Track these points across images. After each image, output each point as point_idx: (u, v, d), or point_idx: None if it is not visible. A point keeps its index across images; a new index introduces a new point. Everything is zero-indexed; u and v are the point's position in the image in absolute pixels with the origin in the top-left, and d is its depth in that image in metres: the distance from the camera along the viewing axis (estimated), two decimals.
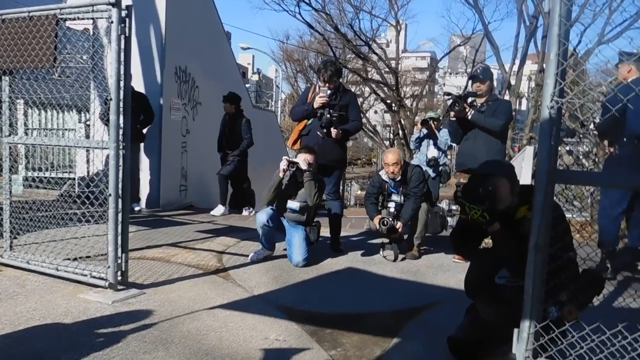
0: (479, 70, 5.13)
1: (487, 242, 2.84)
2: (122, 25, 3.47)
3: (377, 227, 4.97)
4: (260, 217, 4.67)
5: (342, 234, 5.48)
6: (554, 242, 2.17)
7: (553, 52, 2.12)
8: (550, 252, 2.13)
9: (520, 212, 2.56)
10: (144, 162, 7.61)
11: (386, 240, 5.09)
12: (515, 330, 2.18)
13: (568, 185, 2.87)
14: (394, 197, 5.08)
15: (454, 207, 11.16)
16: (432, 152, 7.32)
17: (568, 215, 3.23)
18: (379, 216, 4.98)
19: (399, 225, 4.91)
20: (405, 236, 5.16)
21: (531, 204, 2.31)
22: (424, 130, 7.15)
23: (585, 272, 2.42)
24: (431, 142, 7.29)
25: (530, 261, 2.11)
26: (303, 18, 24.52)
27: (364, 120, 22.58)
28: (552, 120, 2.14)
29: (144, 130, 7.33)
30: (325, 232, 5.58)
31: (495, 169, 2.70)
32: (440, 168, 7.27)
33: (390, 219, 4.91)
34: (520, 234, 2.50)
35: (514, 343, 2.19)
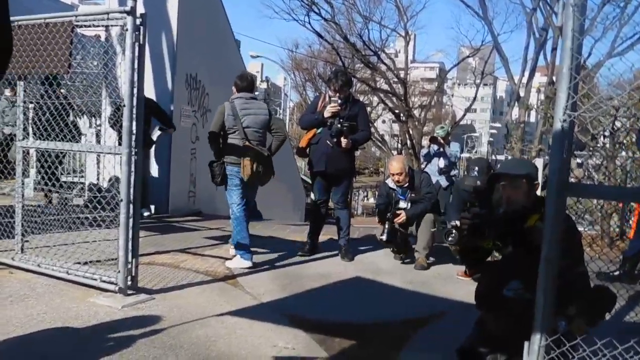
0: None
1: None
2: (137, 33, 3.52)
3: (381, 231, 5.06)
4: None
5: (351, 243, 5.48)
6: (565, 255, 2.16)
7: (565, 65, 2.12)
8: (560, 265, 2.13)
9: (531, 220, 2.55)
10: (154, 168, 7.65)
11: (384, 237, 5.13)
12: (526, 343, 2.17)
13: (579, 198, 2.87)
14: (402, 203, 5.15)
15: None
16: (441, 164, 7.31)
17: (580, 228, 3.22)
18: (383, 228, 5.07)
19: (401, 213, 4.93)
20: (413, 246, 5.17)
21: (543, 214, 2.30)
22: (434, 147, 7.13)
23: (597, 288, 2.41)
24: (441, 158, 7.26)
25: (541, 274, 2.11)
26: (312, 27, 24.57)
27: (371, 129, 22.60)
28: (564, 133, 2.14)
29: (154, 137, 7.37)
30: (333, 241, 5.60)
31: (517, 169, 2.70)
32: (452, 178, 7.25)
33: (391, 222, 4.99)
34: (530, 242, 2.49)
35: (524, 356, 2.18)
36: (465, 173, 4.77)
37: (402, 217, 5.03)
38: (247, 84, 4.98)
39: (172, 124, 7.38)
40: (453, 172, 7.34)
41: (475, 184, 4.44)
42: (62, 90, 4.95)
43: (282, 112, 38.22)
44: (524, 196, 2.55)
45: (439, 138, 6.96)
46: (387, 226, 5.06)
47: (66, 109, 4.24)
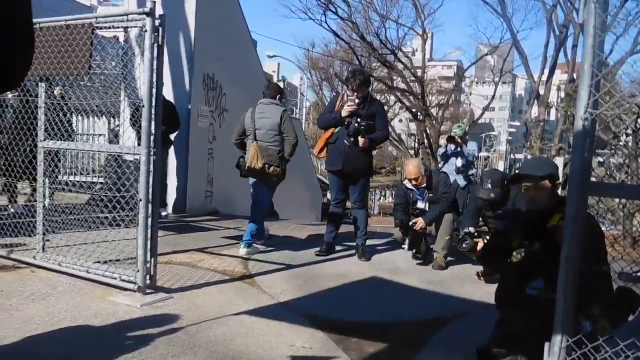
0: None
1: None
2: (156, 34, 3.54)
3: (399, 232, 5.06)
4: None
5: (368, 243, 5.47)
6: (587, 255, 2.13)
7: (587, 63, 2.09)
8: (583, 265, 2.10)
9: (555, 219, 2.53)
10: (171, 168, 7.72)
11: (405, 246, 5.13)
12: (547, 344, 2.14)
13: (601, 198, 2.83)
14: (420, 204, 5.14)
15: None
16: (459, 163, 7.24)
17: (603, 228, 3.18)
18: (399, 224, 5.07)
19: (418, 221, 4.92)
20: (432, 246, 5.15)
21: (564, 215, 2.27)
22: (451, 147, 7.07)
23: (620, 289, 2.37)
24: (459, 158, 7.19)
25: (562, 274, 2.08)
26: (329, 27, 24.74)
27: (389, 129, 22.56)
28: (585, 132, 2.11)
29: (172, 137, 7.43)
30: (350, 241, 5.59)
31: (539, 169, 2.67)
32: (470, 177, 7.18)
33: (406, 219, 4.99)
34: (554, 242, 2.46)
35: (545, 357, 2.15)
36: (480, 184, 4.71)
37: (420, 224, 4.99)
38: (268, 91, 5.59)
39: (178, 125, 7.36)
40: (471, 172, 7.26)
41: (489, 196, 4.39)
42: (56, 90, 5.00)
43: (299, 112, 38.30)
44: (547, 197, 2.52)
45: (456, 137, 6.89)
46: (409, 237, 5.07)
47: (63, 108, 4.29)
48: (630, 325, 2.25)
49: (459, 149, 6.82)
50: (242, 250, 5.15)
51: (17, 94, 5.07)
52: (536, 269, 2.59)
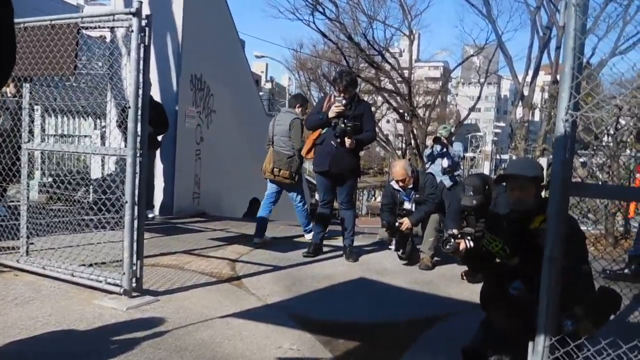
0: None
1: None
2: (142, 34, 3.53)
3: (385, 232, 5.09)
4: None
5: (355, 243, 5.48)
6: (568, 255, 2.16)
7: (568, 65, 2.13)
8: (564, 265, 2.13)
9: (536, 221, 2.55)
10: (158, 169, 7.68)
11: (392, 247, 5.16)
12: (530, 343, 2.17)
13: (582, 198, 2.86)
14: (406, 204, 5.19)
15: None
16: (444, 163, 7.27)
17: (582, 227, 3.22)
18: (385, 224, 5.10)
19: (404, 221, 4.96)
20: (418, 246, 5.18)
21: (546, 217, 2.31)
22: (437, 147, 7.10)
23: (601, 289, 2.40)
24: (445, 158, 7.22)
25: (545, 273, 2.11)
26: (317, 27, 24.80)
27: (376, 129, 22.63)
28: (566, 133, 2.14)
29: (159, 138, 7.39)
30: (338, 241, 5.61)
31: (526, 170, 2.70)
32: (456, 177, 7.23)
33: (392, 219, 5.03)
34: (535, 244, 2.49)
35: (529, 356, 2.18)
36: (461, 190, 4.74)
37: (406, 225, 5.04)
38: (291, 101, 6.45)
39: (166, 126, 7.33)
40: (457, 172, 7.31)
41: (472, 203, 4.42)
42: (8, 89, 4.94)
43: None
44: (532, 198, 2.54)
45: (442, 138, 6.94)
46: (395, 238, 5.10)
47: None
48: (611, 324, 2.28)
49: (444, 150, 6.87)
50: (307, 235, 6.10)
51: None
52: (518, 269, 2.61)
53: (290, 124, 5.81)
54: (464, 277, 4.64)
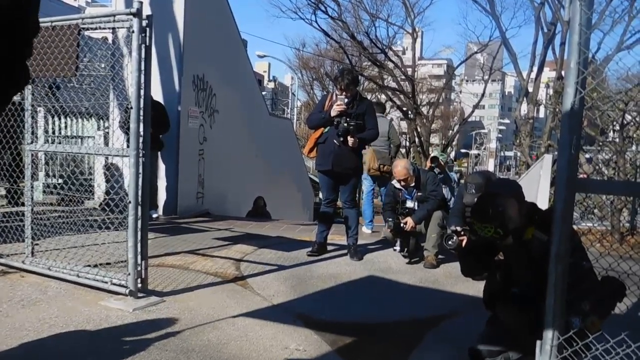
0: None
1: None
2: (143, 34, 3.51)
3: (389, 231, 5.07)
4: None
5: (359, 242, 5.47)
6: (572, 253, 2.16)
7: (573, 60, 2.11)
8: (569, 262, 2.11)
9: (528, 233, 2.55)
10: (162, 170, 7.68)
11: (397, 247, 5.14)
12: (538, 343, 2.15)
13: (588, 194, 2.84)
14: (409, 203, 5.18)
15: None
16: (447, 194, 7.21)
17: (589, 224, 3.20)
18: (389, 222, 5.07)
19: (407, 220, 4.96)
20: (422, 244, 5.16)
21: (537, 224, 2.31)
22: (436, 170, 7.04)
23: (605, 279, 2.39)
24: (444, 185, 7.14)
25: (552, 271, 2.09)
26: (319, 26, 24.62)
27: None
28: (571, 129, 2.12)
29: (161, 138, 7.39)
30: (342, 240, 5.60)
31: (503, 189, 2.69)
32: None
33: (396, 219, 5.03)
34: (530, 255, 2.49)
35: (537, 355, 2.16)
36: (464, 189, 4.73)
37: (410, 225, 5.03)
38: (378, 109, 6.93)
39: (167, 126, 7.33)
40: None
41: (474, 201, 4.41)
42: None
43: (290, 112, 38.23)
44: (517, 215, 2.52)
45: (439, 158, 6.88)
46: (399, 239, 5.09)
47: None
48: (620, 322, 2.27)
49: (442, 175, 6.82)
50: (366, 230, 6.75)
51: None
52: (517, 277, 2.63)
53: (389, 127, 7.11)
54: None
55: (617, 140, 6.28)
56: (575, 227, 2.41)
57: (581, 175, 2.48)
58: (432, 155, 7.45)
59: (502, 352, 2.67)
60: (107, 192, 7.28)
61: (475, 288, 4.13)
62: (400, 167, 5.18)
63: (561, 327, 2.09)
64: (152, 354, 2.79)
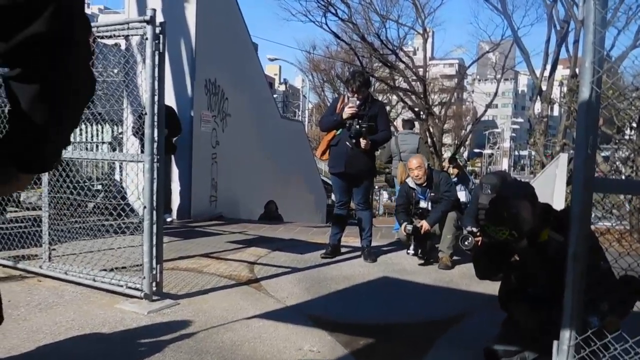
0: None
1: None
2: (156, 41, 3.54)
3: (403, 233, 5.05)
4: None
5: (373, 243, 5.46)
6: (590, 253, 2.14)
7: (588, 60, 2.09)
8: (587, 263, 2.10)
9: (544, 235, 2.52)
10: (175, 174, 7.74)
11: (411, 251, 5.14)
12: (555, 343, 2.13)
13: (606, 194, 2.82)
14: (422, 203, 5.17)
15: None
16: (461, 197, 7.18)
17: (607, 223, 3.17)
18: (405, 224, 5.05)
19: (422, 224, 4.94)
20: (437, 246, 5.14)
21: (553, 225, 2.29)
22: (454, 177, 6.98)
23: (624, 279, 2.37)
24: (462, 186, 7.12)
25: (570, 271, 2.07)
26: (329, 28, 24.62)
27: (392, 129, 22.56)
28: (588, 128, 2.10)
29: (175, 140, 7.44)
30: (355, 242, 5.59)
31: (516, 191, 2.67)
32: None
33: (414, 221, 5.02)
34: (547, 256, 2.47)
35: (554, 355, 2.14)
36: (479, 189, 4.72)
37: (425, 228, 5.02)
38: (409, 124, 8.34)
39: (178, 129, 7.37)
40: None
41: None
42: None
43: (301, 114, 38.30)
44: (531, 217, 2.50)
45: (457, 159, 6.91)
46: (413, 242, 5.09)
47: None
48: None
49: (459, 175, 6.79)
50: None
51: None
52: (535, 276, 2.61)
53: (417, 144, 7.43)
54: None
55: (635, 138, 6.19)
56: (593, 227, 2.39)
57: (598, 174, 2.46)
58: (450, 156, 7.50)
59: (519, 352, 2.65)
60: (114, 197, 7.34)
61: (491, 288, 4.09)
62: (415, 157, 5.26)
63: (579, 327, 2.07)
64: (166, 356, 2.80)
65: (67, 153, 4.00)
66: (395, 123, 29.86)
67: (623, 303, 2.29)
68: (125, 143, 6.30)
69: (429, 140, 24.37)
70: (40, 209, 4.35)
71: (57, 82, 0.99)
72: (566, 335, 2.07)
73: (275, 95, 30.85)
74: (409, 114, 30.86)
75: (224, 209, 8.58)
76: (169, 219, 7.26)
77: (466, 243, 4.30)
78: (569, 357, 2.08)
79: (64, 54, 0.99)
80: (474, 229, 4.32)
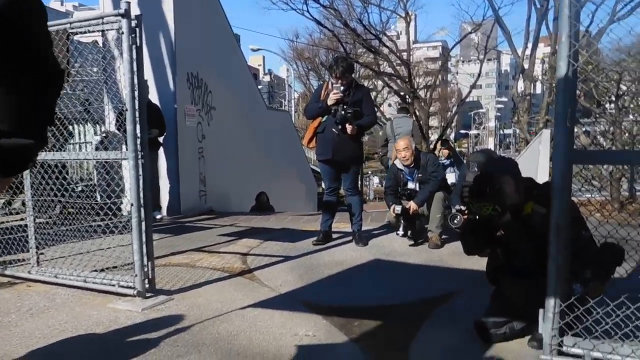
0: None
1: None
2: (133, 35, 3.49)
3: (392, 214, 5.09)
4: None
5: (364, 228, 5.50)
6: (572, 223, 2.18)
7: (564, 34, 2.11)
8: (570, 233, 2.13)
9: (527, 208, 2.57)
10: (163, 170, 7.70)
11: (400, 232, 5.19)
12: (540, 311, 2.17)
13: (586, 165, 2.86)
14: (410, 184, 5.21)
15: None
16: (451, 178, 7.26)
17: (587, 195, 3.22)
18: (393, 205, 5.09)
19: (410, 204, 5.00)
20: (426, 226, 5.19)
21: (537, 198, 2.33)
22: (443, 159, 7.08)
23: (604, 245, 2.42)
24: (454, 168, 7.19)
25: (552, 242, 2.11)
26: (311, 15, 24.59)
27: (378, 114, 22.53)
28: (566, 101, 2.13)
29: (160, 139, 7.40)
30: (346, 227, 5.62)
31: (498, 167, 2.71)
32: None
33: (402, 203, 5.09)
34: (531, 229, 2.51)
35: (540, 323, 2.18)
36: (466, 167, 4.78)
37: (413, 208, 5.07)
38: (403, 110, 8.61)
39: (163, 128, 7.34)
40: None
41: None
42: None
43: (287, 104, 38.17)
44: (514, 192, 2.53)
45: (449, 141, 6.97)
46: (402, 223, 5.13)
47: None
48: (619, 286, 2.30)
49: (448, 161, 6.84)
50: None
51: None
52: (519, 246, 2.65)
53: (412, 127, 7.69)
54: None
55: (613, 111, 6.26)
56: (575, 199, 2.43)
57: (579, 147, 2.49)
58: (442, 138, 7.60)
59: (507, 322, 2.70)
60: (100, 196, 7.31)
61: (480, 264, 4.12)
62: (402, 139, 5.32)
63: (563, 295, 2.11)
64: (163, 351, 2.81)
65: (49, 155, 3.96)
66: (381, 108, 29.90)
67: (604, 268, 2.33)
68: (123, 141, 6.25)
69: (416, 123, 24.41)
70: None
71: (15, 75, 0.95)
72: (551, 303, 2.11)
73: (260, 86, 30.69)
74: (394, 99, 30.89)
75: (214, 203, 8.56)
76: (158, 216, 7.24)
77: (455, 221, 4.34)
78: (554, 323, 2.12)
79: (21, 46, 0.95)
80: (463, 207, 4.37)
